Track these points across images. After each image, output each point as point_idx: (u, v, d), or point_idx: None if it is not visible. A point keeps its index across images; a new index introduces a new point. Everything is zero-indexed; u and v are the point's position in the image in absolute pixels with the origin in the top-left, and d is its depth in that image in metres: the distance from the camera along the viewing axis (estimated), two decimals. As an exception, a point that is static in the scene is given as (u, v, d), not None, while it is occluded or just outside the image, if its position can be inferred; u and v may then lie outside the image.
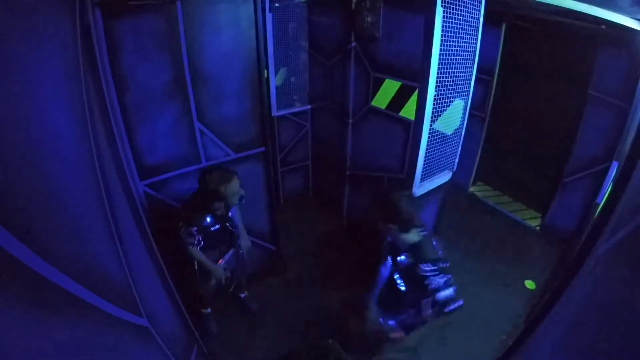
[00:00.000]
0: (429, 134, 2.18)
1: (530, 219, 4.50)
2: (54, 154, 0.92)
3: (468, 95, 2.35)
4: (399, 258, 1.99)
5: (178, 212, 2.37)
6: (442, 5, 1.83)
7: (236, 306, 3.12)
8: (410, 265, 1.87)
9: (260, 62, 2.48)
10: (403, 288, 2.02)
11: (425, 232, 1.95)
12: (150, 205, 2.42)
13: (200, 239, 2.35)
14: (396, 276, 2.07)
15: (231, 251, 2.63)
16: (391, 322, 2.15)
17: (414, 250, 1.87)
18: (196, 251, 2.35)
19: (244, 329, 2.94)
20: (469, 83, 2.30)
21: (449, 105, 2.24)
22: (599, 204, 3.28)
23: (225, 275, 2.57)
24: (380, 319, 2.19)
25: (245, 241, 2.74)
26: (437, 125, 2.24)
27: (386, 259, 2.22)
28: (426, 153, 2.24)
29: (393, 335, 2.12)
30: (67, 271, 0.82)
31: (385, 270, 2.27)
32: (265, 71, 3.36)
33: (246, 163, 2.78)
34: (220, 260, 2.55)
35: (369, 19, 3.00)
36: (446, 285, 1.87)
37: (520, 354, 1.75)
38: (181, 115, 2.36)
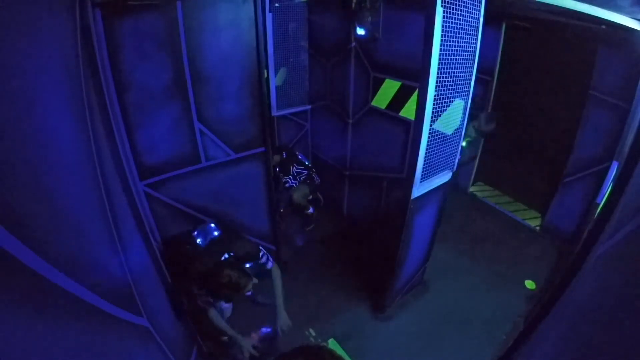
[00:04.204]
0: (429, 134, 2.18)
1: (530, 219, 4.50)
2: (54, 154, 0.92)
3: (468, 95, 2.34)
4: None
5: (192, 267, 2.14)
6: (442, 5, 1.83)
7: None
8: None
9: (260, 62, 2.48)
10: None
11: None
12: (150, 205, 2.43)
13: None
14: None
15: (268, 330, 2.40)
16: None
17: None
18: (216, 316, 2.14)
19: (244, 328, 2.94)
20: (469, 83, 2.30)
21: (449, 105, 2.23)
22: (599, 204, 3.28)
23: (253, 354, 2.24)
24: None
25: (283, 320, 2.35)
26: (437, 125, 2.24)
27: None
28: (426, 153, 2.23)
29: None
30: (67, 271, 0.82)
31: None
32: (265, 71, 3.36)
33: (246, 163, 2.78)
34: (254, 335, 2.36)
35: (369, 19, 3.00)
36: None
37: (520, 354, 1.75)
38: (181, 116, 2.36)
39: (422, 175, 2.31)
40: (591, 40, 3.32)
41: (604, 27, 2.71)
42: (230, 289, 1.99)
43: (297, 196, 3.87)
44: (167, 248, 2.31)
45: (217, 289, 2.02)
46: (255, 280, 2.13)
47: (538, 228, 4.33)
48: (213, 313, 2.16)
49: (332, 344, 2.79)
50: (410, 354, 2.79)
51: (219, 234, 2.26)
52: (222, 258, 2.10)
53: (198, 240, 2.26)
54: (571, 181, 3.84)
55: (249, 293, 2.16)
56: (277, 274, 2.37)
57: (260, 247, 2.28)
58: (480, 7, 2.07)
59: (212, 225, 2.36)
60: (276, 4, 3.57)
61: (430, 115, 2.11)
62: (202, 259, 2.12)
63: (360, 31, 3.00)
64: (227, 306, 2.30)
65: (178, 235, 2.30)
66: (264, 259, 2.28)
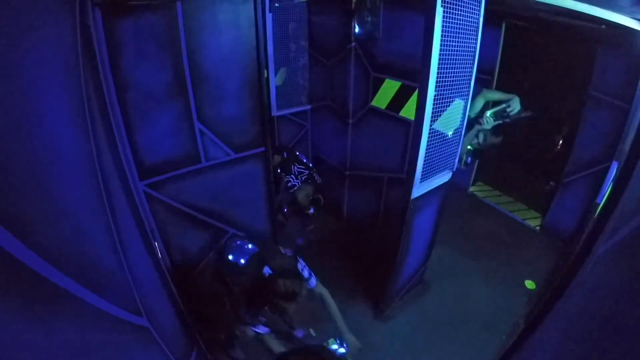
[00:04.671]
0: (429, 134, 2.18)
1: (530, 219, 4.50)
2: (53, 154, 0.92)
3: (468, 95, 2.34)
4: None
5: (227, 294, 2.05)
6: (442, 5, 1.83)
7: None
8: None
9: (260, 62, 2.48)
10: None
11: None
12: (151, 206, 2.42)
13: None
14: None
15: (337, 353, 2.18)
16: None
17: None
18: (276, 342, 2.00)
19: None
20: (469, 83, 2.30)
21: (449, 105, 2.23)
22: (599, 204, 3.28)
23: None
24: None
25: (351, 341, 2.16)
26: (437, 125, 2.24)
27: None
28: (426, 153, 2.23)
29: None
30: (67, 271, 0.82)
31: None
32: (265, 71, 3.36)
33: (246, 163, 2.78)
34: None
35: (369, 19, 3.00)
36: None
37: (520, 354, 1.75)
38: (181, 115, 2.35)
39: (422, 175, 2.31)
40: (591, 40, 3.32)
41: (604, 27, 2.71)
42: (287, 298, 1.90)
43: (301, 196, 3.87)
44: (194, 274, 2.23)
45: (273, 301, 1.91)
46: (305, 283, 2.05)
47: (538, 228, 4.33)
48: (271, 340, 2.03)
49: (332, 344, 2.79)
50: (410, 353, 2.79)
51: (256, 251, 2.13)
52: (265, 272, 1.99)
53: (233, 259, 2.13)
54: (571, 181, 3.85)
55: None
56: (324, 292, 2.19)
57: (299, 259, 2.13)
58: (480, 7, 2.07)
59: (246, 242, 2.21)
60: (276, 4, 3.57)
61: (430, 115, 2.11)
62: (244, 276, 2.03)
63: (357, 29, 3.01)
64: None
65: (208, 261, 2.22)
66: (305, 273, 2.12)
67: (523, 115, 3.08)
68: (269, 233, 3.27)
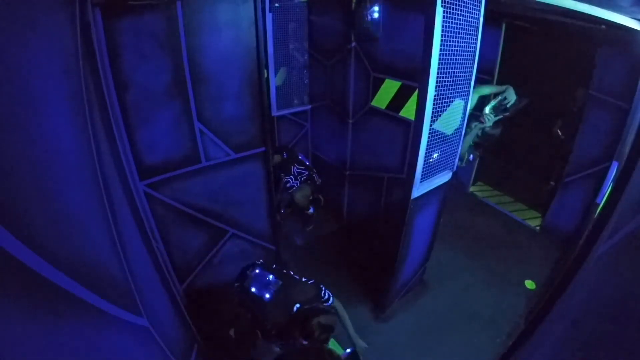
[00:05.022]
0: (429, 134, 2.18)
1: (530, 219, 4.50)
2: (53, 154, 0.92)
3: (468, 95, 2.35)
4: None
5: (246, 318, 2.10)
6: (442, 5, 1.83)
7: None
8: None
9: (260, 62, 2.48)
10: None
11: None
12: (150, 205, 2.42)
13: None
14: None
15: (348, 353, 2.36)
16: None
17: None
18: None
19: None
20: (469, 83, 2.30)
21: (449, 105, 2.24)
22: (599, 204, 3.28)
23: None
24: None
25: (360, 344, 2.39)
26: (437, 125, 2.24)
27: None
28: (426, 153, 2.23)
29: None
30: (67, 271, 0.82)
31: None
32: (265, 71, 3.36)
33: (246, 163, 2.78)
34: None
35: (369, 19, 3.00)
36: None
37: (520, 354, 1.75)
38: (181, 115, 2.36)
39: (422, 175, 2.32)
40: (591, 40, 3.32)
41: (604, 27, 2.72)
42: (326, 332, 1.95)
43: (299, 196, 3.87)
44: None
45: (312, 339, 1.94)
46: (333, 311, 2.15)
47: (538, 228, 4.33)
48: None
49: (332, 344, 2.79)
50: (410, 353, 2.79)
51: (280, 285, 2.14)
52: (295, 309, 2.04)
53: (257, 293, 2.13)
54: (571, 181, 3.85)
55: None
56: (340, 307, 2.32)
57: (321, 286, 2.21)
58: (480, 7, 2.07)
59: (266, 273, 2.21)
60: (276, 4, 3.57)
61: (430, 115, 2.11)
62: (274, 313, 2.05)
63: (357, 29, 2.98)
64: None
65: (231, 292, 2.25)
66: (326, 296, 2.20)
67: (521, 104, 3.08)
68: (269, 233, 3.27)
